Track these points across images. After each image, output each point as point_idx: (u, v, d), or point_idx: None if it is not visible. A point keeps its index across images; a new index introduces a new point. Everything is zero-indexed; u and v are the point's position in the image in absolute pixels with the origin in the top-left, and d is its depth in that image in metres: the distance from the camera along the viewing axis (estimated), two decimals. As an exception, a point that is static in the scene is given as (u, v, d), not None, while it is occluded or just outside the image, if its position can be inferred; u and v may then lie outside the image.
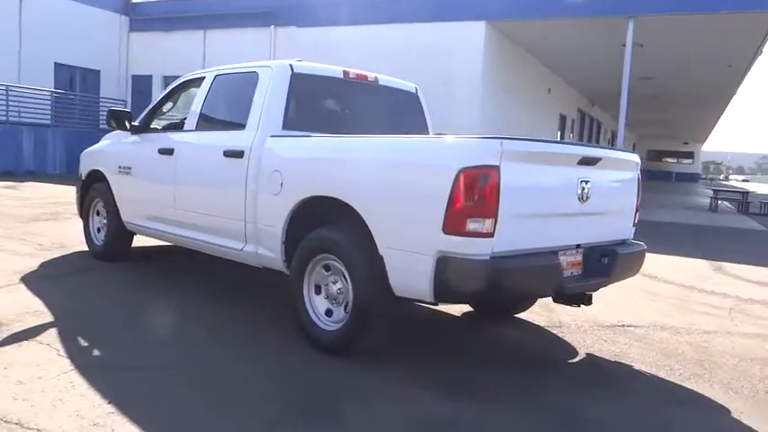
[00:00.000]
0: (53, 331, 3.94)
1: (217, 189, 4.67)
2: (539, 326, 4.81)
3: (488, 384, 3.56)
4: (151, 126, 5.70)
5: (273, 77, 4.46)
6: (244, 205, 4.38)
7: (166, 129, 5.56)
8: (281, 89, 4.42)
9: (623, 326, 4.94)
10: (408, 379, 3.51)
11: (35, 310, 4.34)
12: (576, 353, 4.24)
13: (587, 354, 4.21)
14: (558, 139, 25.05)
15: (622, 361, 4.10)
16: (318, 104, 4.71)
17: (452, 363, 3.89)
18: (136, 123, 5.66)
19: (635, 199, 4.26)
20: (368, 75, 4.98)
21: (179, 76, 5.67)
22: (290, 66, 4.50)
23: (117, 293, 5.06)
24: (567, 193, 3.62)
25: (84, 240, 6.43)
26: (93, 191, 6.26)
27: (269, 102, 4.41)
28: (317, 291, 3.96)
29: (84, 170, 6.43)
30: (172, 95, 5.64)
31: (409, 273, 3.38)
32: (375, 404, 3.19)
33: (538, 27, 17.57)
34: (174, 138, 5.20)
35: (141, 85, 21.86)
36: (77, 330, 3.97)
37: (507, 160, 3.18)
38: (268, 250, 4.29)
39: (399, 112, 5.24)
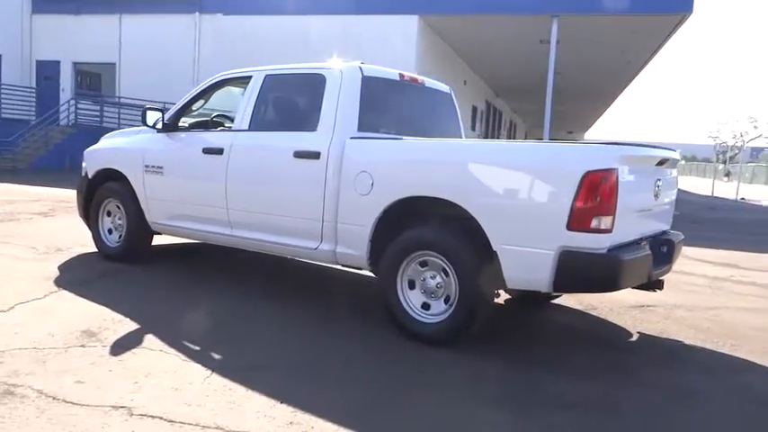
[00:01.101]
0: (151, 337, 3.90)
1: (285, 189, 4.72)
2: (577, 309, 5.28)
3: (577, 364, 3.96)
4: (180, 125, 5.59)
5: (345, 80, 4.58)
6: (321, 205, 4.49)
7: (205, 128, 5.49)
8: (353, 92, 4.55)
9: (645, 306, 5.51)
10: (503, 361, 3.83)
11: (111, 318, 4.24)
12: (628, 332, 4.73)
13: (638, 333, 4.72)
14: (471, 129, 26.02)
15: (670, 337, 4.64)
16: (382, 106, 4.87)
17: (527, 345, 4.25)
18: (167, 122, 5.53)
19: (676, 193, 4.81)
20: (417, 77, 5.20)
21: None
22: (360, 68, 4.64)
23: (172, 295, 4.99)
24: (649, 190, 4.08)
25: (92, 241, 6.19)
26: (105, 191, 6.04)
27: (343, 104, 4.53)
28: (411, 286, 4.17)
29: (90, 169, 6.18)
30: (205, 94, 5.57)
31: (528, 266, 3.69)
32: (490, 384, 3.47)
33: (466, 22, 18.25)
34: (223, 137, 5.17)
35: (48, 71, 20.43)
36: (173, 335, 3.94)
37: (621, 164, 3.57)
38: (349, 248, 4.43)
39: (440, 111, 5.50)
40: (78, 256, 6.19)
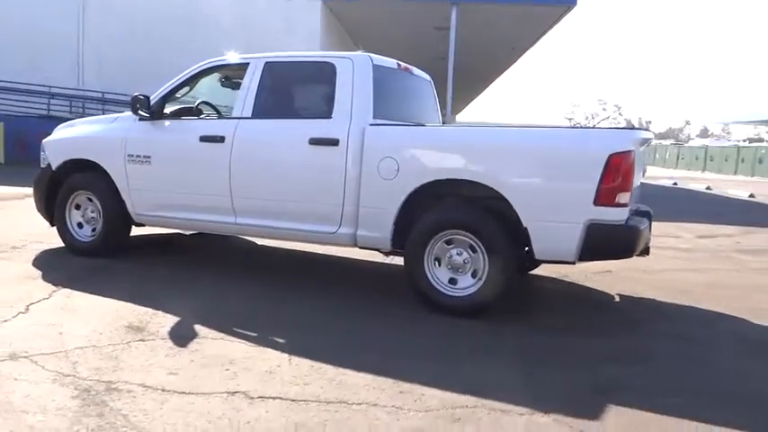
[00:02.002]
0: (200, 327, 3.90)
1: (299, 176, 4.82)
2: (555, 278, 5.84)
3: (594, 325, 4.48)
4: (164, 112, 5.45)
5: (357, 69, 4.75)
6: (342, 190, 4.65)
7: (192, 115, 5.40)
8: (367, 80, 4.74)
9: (606, 271, 6.19)
10: (529, 328, 4.27)
11: (143, 311, 4.17)
12: (610, 295, 5.34)
13: (618, 294, 5.34)
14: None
15: (643, 296, 5.30)
16: (386, 93, 5.06)
17: (541, 312, 4.73)
18: (153, 110, 5.37)
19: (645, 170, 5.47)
20: (408, 66, 5.46)
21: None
22: (371, 58, 4.83)
23: (179, 286, 4.92)
24: (640, 168, 4.66)
25: (47, 237, 5.92)
26: (74, 183, 5.75)
27: (358, 92, 4.70)
28: (438, 263, 4.48)
29: (54, 160, 5.84)
30: (191, 81, 5.47)
31: (557, 239, 4.12)
32: (531, 348, 3.90)
33: (366, 8, 18.53)
34: (222, 125, 5.14)
35: None
36: (218, 323, 3.96)
37: (634, 146, 4.09)
38: (372, 231, 4.64)
39: (424, 97, 5.79)
40: (43, 252, 5.85)
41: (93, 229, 5.77)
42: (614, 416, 2.93)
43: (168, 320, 4.00)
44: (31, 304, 4.23)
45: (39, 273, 5.08)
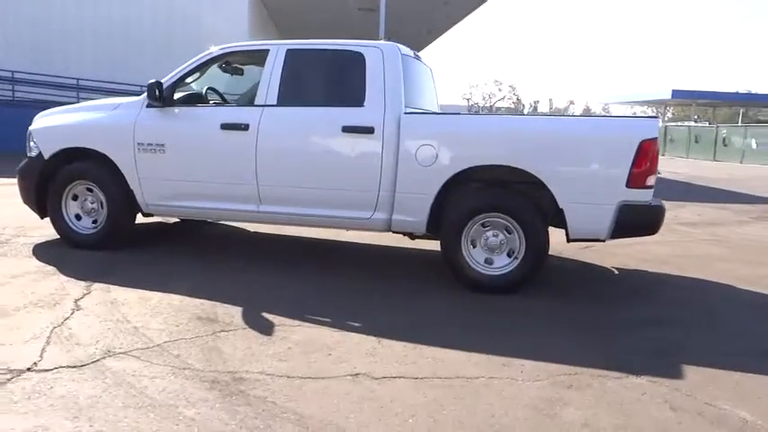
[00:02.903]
0: (273, 315, 3.95)
1: (332, 163, 4.89)
2: (551, 254, 6.27)
3: (617, 296, 4.92)
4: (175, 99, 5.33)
5: (387, 58, 4.89)
6: (378, 177, 4.79)
7: (202, 102, 5.34)
8: (397, 69, 4.89)
9: (588, 247, 6.71)
10: (559, 302, 4.66)
11: (202, 303, 4.15)
12: (608, 268, 5.83)
13: (614, 267, 5.85)
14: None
15: (638, 268, 5.84)
16: (409, 81, 5.22)
17: (560, 286, 5.12)
18: (165, 96, 5.23)
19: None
20: (418, 54, 5.65)
21: None
22: (398, 47, 4.97)
23: (213, 274, 4.87)
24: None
25: (29, 229, 5.67)
26: (72, 172, 5.51)
27: (390, 81, 4.84)
28: (473, 245, 4.75)
29: (46, 149, 5.55)
30: (203, 68, 5.37)
31: (591, 219, 4.49)
32: (572, 319, 4.28)
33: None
34: (245, 112, 5.10)
35: None
36: (291, 312, 4.02)
37: (657, 133, 4.52)
38: (408, 216, 4.82)
39: (428, 85, 5.99)
40: (39, 245, 5.57)
41: (95, 221, 5.55)
42: (692, 373, 3.32)
43: (232, 310, 4.01)
44: (78, 300, 4.09)
45: (52, 268, 4.87)
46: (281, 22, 22.10)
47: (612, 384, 3.15)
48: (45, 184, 5.59)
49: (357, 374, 3.13)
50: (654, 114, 61.48)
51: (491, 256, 4.72)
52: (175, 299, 4.20)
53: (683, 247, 7.11)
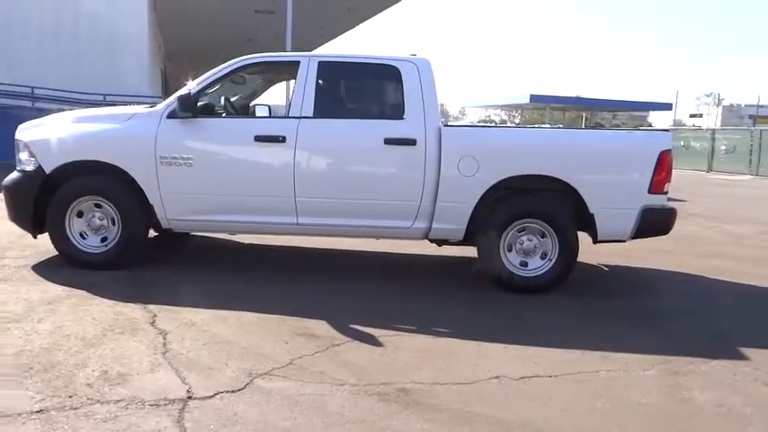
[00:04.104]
0: (370, 329, 4.01)
1: (375, 174, 5.03)
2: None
3: (615, 290, 5.48)
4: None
5: (422, 72, 5.10)
6: (420, 187, 5.00)
7: (226, 114, 5.25)
8: (432, 83, 5.12)
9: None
10: (575, 296, 5.16)
11: (283, 319, 4.14)
12: (596, 266, 6.42)
13: (602, 264, 6.45)
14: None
15: (626, 265, 6.47)
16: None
17: (570, 284, 5.61)
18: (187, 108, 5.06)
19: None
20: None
21: None
22: (429, 62, 5.20)
23: (273, 291, 4.80)
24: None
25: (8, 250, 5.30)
26: (79, 187, 5.17)
27: (427, 94, 5.06)
28: (509, 249, 5.10)
29: (48, 162, 5.14)
30: (227, 78, 5.27)
31: (617, 222, 5.00)
32: (602, 313, 4.79)
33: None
34: (280, 124, 5.08)
35: None
36: (379, 322, 4.12)
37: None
38: (448, 224, 5.07)
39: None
40: (38, 267, 5.15)
41: (104, 239, 5.22)
42: (754, 354, 3.87)
43: (320, 324, 4.03)
44: (154, 324, 3.92)
45: (82, 291, 4.55)
46: (172, 20, 21.17)
47: (706, 368, 3.63)
48: (44, 200, 5.17)
49: (498, 377, 3.34)
50: (506, 117, 65.52)
51: (526, 259, 5.09)
52: (250, 316, 4.14)
53: (644, 243, 7.85)
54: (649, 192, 4.95)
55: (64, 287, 4.63)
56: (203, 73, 5.26)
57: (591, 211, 4.98)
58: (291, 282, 5.11)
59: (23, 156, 5.22)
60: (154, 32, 17.52)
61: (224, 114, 5.42)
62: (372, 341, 3.78)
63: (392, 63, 5.13)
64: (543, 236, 5.05)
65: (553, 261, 5.03)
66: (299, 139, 4.99)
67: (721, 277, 6.03)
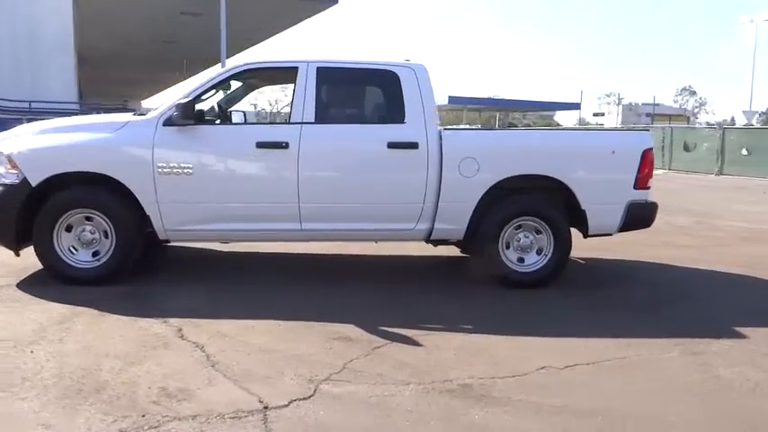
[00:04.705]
0: (402, 330, 4.08)
1: (380, 178, 5.09)
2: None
3: (602, 281, 5.81)
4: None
5: (420, 78, 5.22)
6: (423, 189, 5.11)
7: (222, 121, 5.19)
8: (430, 88, 5.25)
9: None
10: (573, 289, 5.46)
11: (312, 325, 4.14)
12: (575, 260, 6.73)
13: (579, 258, 6.77)
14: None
15: (596, 257, 6.83)
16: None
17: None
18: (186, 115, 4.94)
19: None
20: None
21: None
22: (425, 67, 5.33)
23: (286, 298, 4.76)
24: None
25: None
26: (69, 200, 4.94)
27: (426, 99, 5.18)
28: (507, 246, 5.31)
29: (34, 174, 4.85)
30: (223, 84, 5.19)
31: (606, 217, 5.30)
32: (599, 302, 5.10)
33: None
34: (282, 130, 5.06)
35: None
36: (402, 323, 4.19)
37: (650, 142, 5.50)
38: (449, 224, 5.21)
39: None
40: (23, 287, 4.88)
41: (95, 253, 5.01)
42: (752, 333, 4.23)
43: (350, 328, 4.06)
44: (184, 338, 3.83)
45: (84, 308, 4.36)
46: (93, 24, 20.23)
47: (717, 348, 3.94)
48: (27, 215, 4.90)
49: (543, 367, 3.51)
50: None
51: (522, 255, 5.30)
52: (275, 324, 4.12)
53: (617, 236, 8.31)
54: (635, 188, 5.28)
55: (64, 305, 4.42)
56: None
57: (582, 208, 5.24)
58: (300, 287, 5.10)
59: (4, 168, 4.92)
60: (76, 36, 16.72)
61: (218, 121, 5.32)
62: (409, 341, 3.86)
63: (391, 69, 5.21)
64: (538, 232, 5.28)
65: (548, 256, 5.27)
66: (302, 144, 4.98)
67: (683, 264, 6.46)
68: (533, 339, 3.99)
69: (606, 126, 58.57)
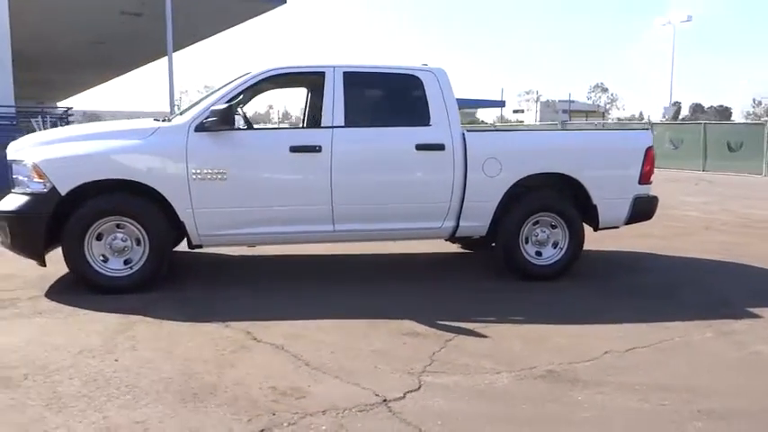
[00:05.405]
0: (466, 324, 4.25)
1: (409, 179, 5.28)
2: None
3: (608, 272, 6.21)
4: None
5: (442, 82, 5.45)
6: (450, 189, 5.34)
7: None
8: (451, 91, 5.49)
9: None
10: (585, 279, 5.85)
11: (370, 323, 4.28)
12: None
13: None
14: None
15: (606, 249, 7.22)
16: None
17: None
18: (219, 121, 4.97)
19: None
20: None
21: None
22: (445, 71, 5.56)
23: (332, 298, 4.86)
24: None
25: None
26: (100, 208, 4.88)
27: (449, 102, 5.42)
28: (526, 241, 5.62)
29: (64, 183, 4.77)
30: (251, 90, 5.24)
31: (615, 210, 5.70)
32: (610, 292, 5.50)
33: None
34: (314, 134, 5.17)
35: None
36: (458, 316, 4.39)
37: (651, 140, 5.94)
38: (474, 222, 5.47)
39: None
40: (53, 298, 4.78)
41: (127, 261, 4.96)
42: (762, 312, 4.70)
43: (414, 324, 4.23)
44: (260, 342, 3.89)
45: (138, 317, 4.35)
46: (25, 23, 19.24)
47: (740, 326, 4.36)
48: (56, 225, 4.80)
49: (607, 351, 3.80)
50: None
51: (540, 249, 5.63)
52: (341, 323, 4.24)
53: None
54: (639, 183, 5.71)
55: (112, 314, 4.38)
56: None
57: (594, 203, 5.62)
58: (338, 287, 5.23)
59: (29, 177, 4.78)
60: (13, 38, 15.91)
61: (244, 126, 5.36)
62: (474, 333, 4.07)
63: (413, 73, 5.41)
64: (554, 227, 5.61)
65: (564, 249, 5.61)
66: (334, 147, 5.10)
67: (666, 253, 6.95)
68: (579, 327, 4.28)
69: (526, 123, 60.73)
